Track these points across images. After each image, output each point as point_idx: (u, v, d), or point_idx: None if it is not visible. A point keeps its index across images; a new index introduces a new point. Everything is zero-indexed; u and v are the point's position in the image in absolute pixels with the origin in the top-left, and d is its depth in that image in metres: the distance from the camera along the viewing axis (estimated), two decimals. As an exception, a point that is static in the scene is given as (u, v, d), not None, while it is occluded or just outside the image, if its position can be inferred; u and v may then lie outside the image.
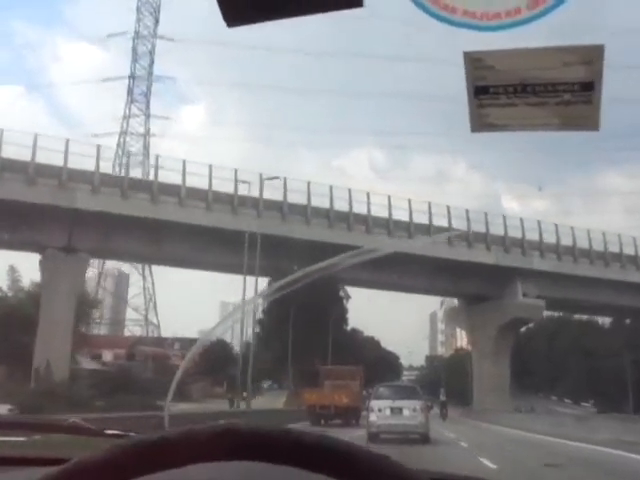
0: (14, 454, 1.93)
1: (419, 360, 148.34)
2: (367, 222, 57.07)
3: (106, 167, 54.33)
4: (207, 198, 51.82)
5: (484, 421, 48.36)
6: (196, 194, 51.73)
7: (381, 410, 22.51)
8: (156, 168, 52.04)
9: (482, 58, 1.98)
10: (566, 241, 64.99)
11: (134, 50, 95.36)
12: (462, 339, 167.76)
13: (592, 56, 1.94)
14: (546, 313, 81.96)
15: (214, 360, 67.07)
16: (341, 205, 57.08)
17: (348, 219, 56.55)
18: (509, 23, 1.87)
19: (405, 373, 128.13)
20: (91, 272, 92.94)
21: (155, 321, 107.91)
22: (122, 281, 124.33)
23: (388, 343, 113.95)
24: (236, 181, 52.64)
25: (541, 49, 1.97)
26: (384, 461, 0.86)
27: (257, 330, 69.47)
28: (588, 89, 1.97)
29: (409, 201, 59.82)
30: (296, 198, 56.56)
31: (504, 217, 64.39)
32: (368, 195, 58.45)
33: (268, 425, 0.86)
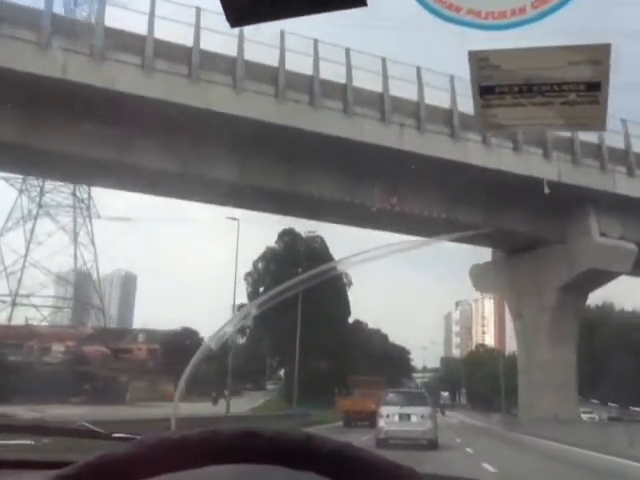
0: (23, 457, 1.93)
1: (433, 362, 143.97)
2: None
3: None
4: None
5: (545, 438, 29.52)
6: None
7: (389, 416, 22.88)
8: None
9: (487, 57, 1.97)
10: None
11: None
12: (480, 336, 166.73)
13: (599, 55, 1.93)
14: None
15: (176, 355, 60.67)
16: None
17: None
18: (514, 22, 1.86)
19: (418, 375, 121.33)
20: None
21: (98, 302, 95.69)
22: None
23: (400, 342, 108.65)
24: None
25: (547, 48, 1.96)
26: (405, 472, 0.86)
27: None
28: (594, 89, 1.96)
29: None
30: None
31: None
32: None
33: (291, 430, 0.87)
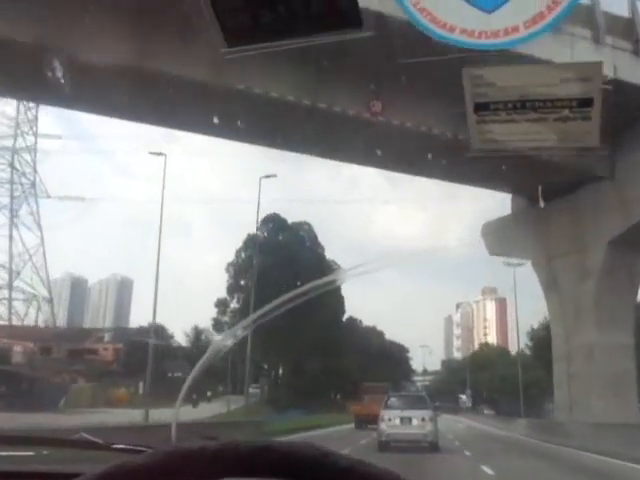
0: (23, 469, 1.94)
1: (434, 365, 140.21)
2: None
3: None
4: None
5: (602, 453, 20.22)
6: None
7: (391, 419, 23.08)
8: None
9: (481, 75, 2.00)
10: None
11: None
12: (481, 338, 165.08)
13: (591, 73, 1.96)
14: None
15: (139, 354, 52.85)
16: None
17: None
18: (507, 42, 1.89)
19: (419, 378, 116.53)
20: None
21: (45, 294, 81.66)
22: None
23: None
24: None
25: (540, 66, 2.00)
26: None
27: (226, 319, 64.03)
28: (587, 105, 1.99)
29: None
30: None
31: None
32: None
33: (309, 445, 0.88)
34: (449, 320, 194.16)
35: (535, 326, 74.64)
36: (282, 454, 0.85)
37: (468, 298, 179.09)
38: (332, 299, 63.23)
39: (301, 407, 49.05)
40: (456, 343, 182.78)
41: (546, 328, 71.69)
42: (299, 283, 57.31)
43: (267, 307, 2.63)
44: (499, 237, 36.97)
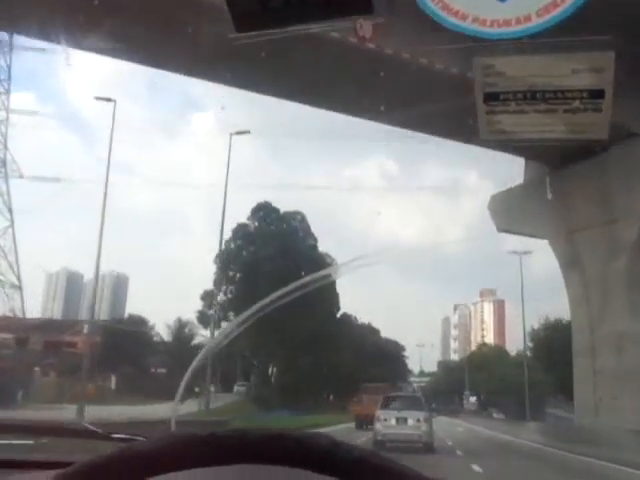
0: (22, 457, 1.92)
1: (430, 367, 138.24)
2: None
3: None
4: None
5: None
6: None
7: (387, 420, 23.43)
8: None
9: (492, 64, 1.98)
10: None
11: None
12: (479, 340, 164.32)
13: (602, 64, 1.94)
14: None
15: (115, 347, 50.45)
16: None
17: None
18: (519, 30, 1.87)
19: (415, 379, 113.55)
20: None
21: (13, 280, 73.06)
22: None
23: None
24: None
25: (551, 56, 1.97)
26: None
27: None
28: (598, 97, 1.97)
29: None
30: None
31: None
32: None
33: (320, 434, 0.87)
34: (446, 321, 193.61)
35: (535, 326, 72.55)
36: (293, 443, 0.85)
37: (466, 300, 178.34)
38: (327, 294, 59.92)
39: (292, 406, 46.85)
40: (453, 345, 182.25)
41: (548, 328, 71.66)
42: (291, 275, 54.21)
43: (261, 303, 2.54)
44: (509, 210, 32.62)
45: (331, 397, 67.07)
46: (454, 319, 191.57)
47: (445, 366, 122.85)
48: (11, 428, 2.19)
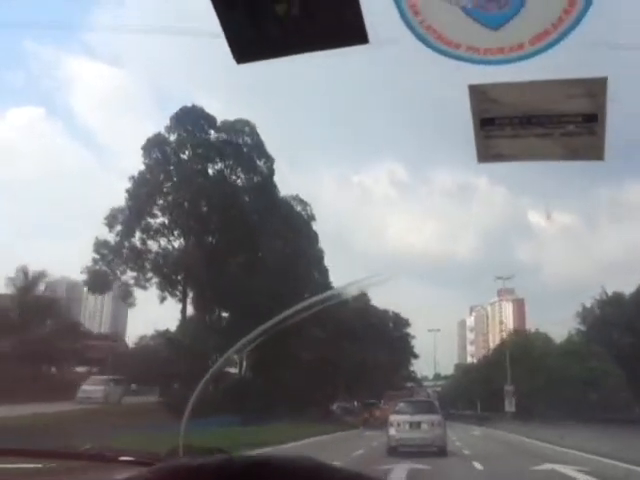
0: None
1: (445, 371, 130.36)
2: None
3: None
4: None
5: None
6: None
7: (400, 425, 23.52)
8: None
9: (487, 91, 2.01)
10: None
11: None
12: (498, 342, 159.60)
13: (596, 89, 1.96)
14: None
15: None
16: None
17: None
18: (512, 58, 1.90)
19: (429, 384, 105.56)
20: None
21: None
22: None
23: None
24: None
25: (545, 82, 2.00)
26: None
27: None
28: (592, 120, 1.99)
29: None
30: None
31: None
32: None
33: (306, 458, 0.89)
34: (462, 324, 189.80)
35: (588, 304, 57.89)
36: (278, 468, 0.86)
37: (482, 301, 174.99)
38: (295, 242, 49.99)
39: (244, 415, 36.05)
40: (470, 349, 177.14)
41: (610, 303, 55.01)
42: (232, 222, 45.05)
43: (266, 325, 2.37)
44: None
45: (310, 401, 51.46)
46: (470, 321, 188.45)
47: (465, 368, 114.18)
48: (19, 452, 2.23)
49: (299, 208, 55.16)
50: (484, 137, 2.10)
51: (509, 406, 50.17)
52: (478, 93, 2.03)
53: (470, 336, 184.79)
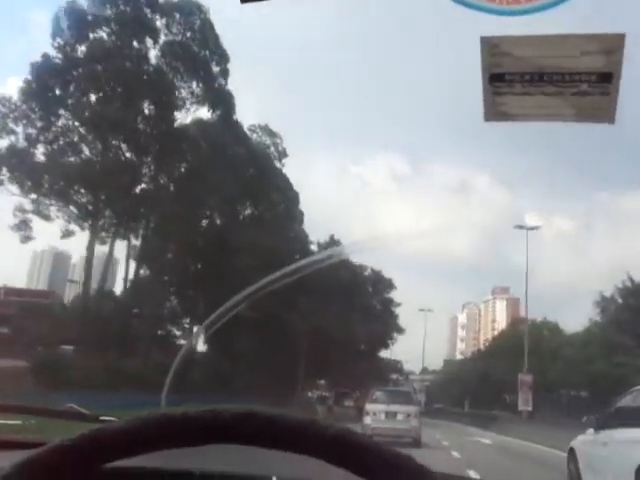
0: (9, 437, 1.91)
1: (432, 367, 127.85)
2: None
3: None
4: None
5: None
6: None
7: (376, 414, 23.82)
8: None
9: (499, 44, 1.93)
10: None
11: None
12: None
13: (612, 45, 1.88)
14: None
15: None
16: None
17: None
18: (529, 8, 1.82)
19: (417, 377, 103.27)
20: None
21: None
22: None
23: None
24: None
25: (560, 36, 1.92)
26: (403, 460, 0.85)
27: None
28: (606, 80, 1.91)
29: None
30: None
31: None
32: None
33: (293, 414, 0.86)
34: (454, 321, 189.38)
35: (608, 293, 52.52)
36: (265, 421, 0.84)
37: (476, 299, 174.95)
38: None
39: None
40: (460, 346, 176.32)
41: (636, 291, 49.11)
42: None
43: (248, 290, 2.16)
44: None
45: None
46: (462, 318, 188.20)
47: (456, 364, 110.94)
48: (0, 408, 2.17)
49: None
50: (492, 94, 2.02)
51: (524, 403, 40.63)
52: (490, 46, 1.95)
53: (461, 333, 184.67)
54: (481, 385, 63.54)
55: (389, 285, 59.60)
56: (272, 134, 49.75)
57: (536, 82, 1.98)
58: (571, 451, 11.20)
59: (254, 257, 36.81)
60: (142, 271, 43.30)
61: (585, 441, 10.63)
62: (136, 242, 43.03)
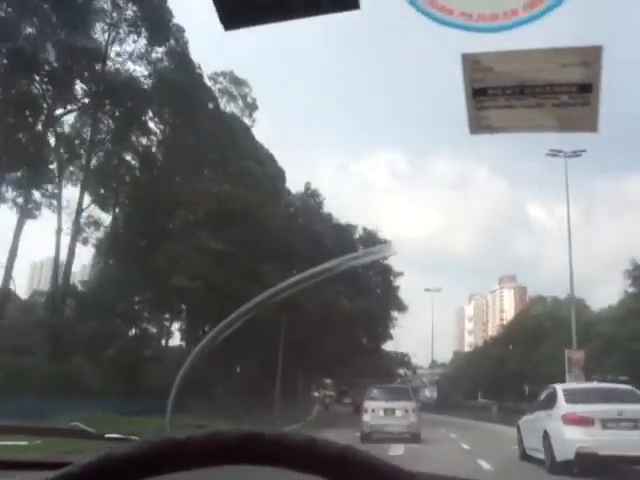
0: (17, 458, 1.94)
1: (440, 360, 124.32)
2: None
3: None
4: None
5: None
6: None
7: (374, 411, 23.87)
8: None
9: (480, 60, 1.97)
10: None
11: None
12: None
13: (590, 57, 1.93)
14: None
15: None
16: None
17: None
18: (507, 25, 1.86)
19: (425, 372, 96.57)
20: None
21: None
22: None
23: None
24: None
25: (539, 50, 1.96)
26: (405, 476, 0.86)
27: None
28: (586, 91, 1.96)
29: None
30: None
31: None
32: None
33: (298, 433, 0.88)
34: (460, 312, 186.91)
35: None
36: (269, 442, 0.86)
37: (483, 290, 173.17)
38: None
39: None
40: (468, 339, 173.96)
41: None
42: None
43: (256, 300, 2.08)
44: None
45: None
46: (469, 310, 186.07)
47: (463, 357, 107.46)
48: (5, 429, 2.21)
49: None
50: (476, 108, 2.07)
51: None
52: (471, 62, 1.99)
53: (469, 325, 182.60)
54: (495, 375, 59.22)
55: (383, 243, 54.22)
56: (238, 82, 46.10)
57: (518, 95, 2.03)
58: (518, 427, 17.45)
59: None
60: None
61: (524, 420, 16.98)
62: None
